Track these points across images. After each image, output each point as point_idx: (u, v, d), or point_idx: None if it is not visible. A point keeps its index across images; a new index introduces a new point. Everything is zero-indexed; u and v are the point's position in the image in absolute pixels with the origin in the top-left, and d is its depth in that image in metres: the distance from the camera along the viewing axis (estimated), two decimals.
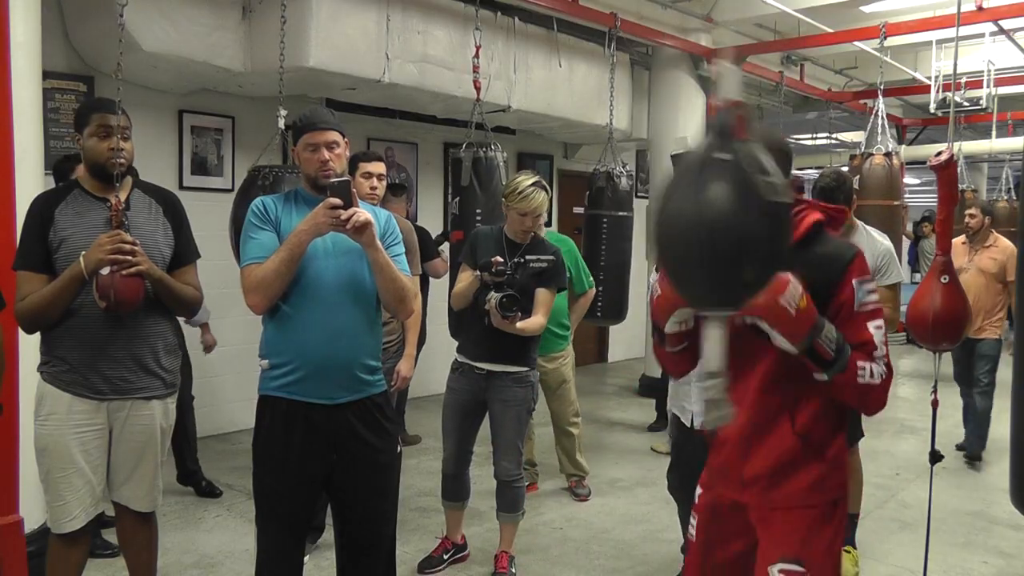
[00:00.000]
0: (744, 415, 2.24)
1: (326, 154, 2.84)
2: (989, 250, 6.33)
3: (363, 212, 2.70)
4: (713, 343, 1.79)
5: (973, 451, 6.50)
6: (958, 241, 6.32)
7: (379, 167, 4.27)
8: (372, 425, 2.88)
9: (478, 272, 3.88)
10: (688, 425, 3.72)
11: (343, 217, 2.65)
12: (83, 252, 2.90)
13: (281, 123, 4.67)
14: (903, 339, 11.83)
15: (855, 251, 2.23)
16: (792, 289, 1.99)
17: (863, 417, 4.38)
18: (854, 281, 2.17)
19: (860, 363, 2.12)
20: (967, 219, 6.45)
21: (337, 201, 2.66)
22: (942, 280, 3.44)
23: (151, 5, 5.18)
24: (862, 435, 4.41)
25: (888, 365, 2.19)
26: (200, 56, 5.58)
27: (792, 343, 2.06)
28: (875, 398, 2.19)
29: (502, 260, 3.84)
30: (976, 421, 6.48)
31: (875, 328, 2.18)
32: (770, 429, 2.26)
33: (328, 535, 3.69)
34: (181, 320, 5.18)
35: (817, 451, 2.25)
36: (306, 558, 3.05)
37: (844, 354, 2.10)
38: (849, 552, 4.36)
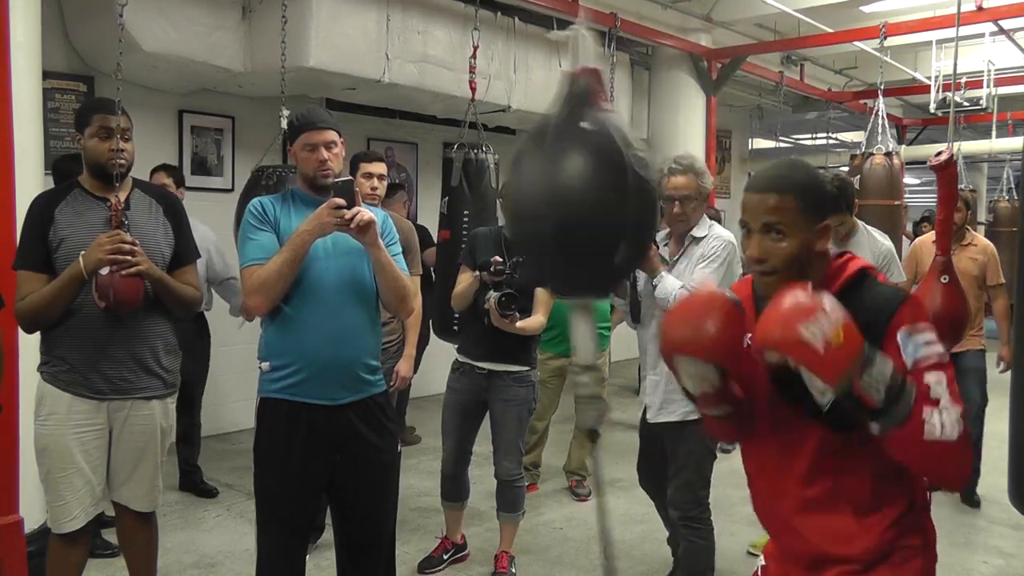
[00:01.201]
0: (794, 497, 1.91)
1: (324, 154, 2.83)
2: (968, 250, 5.39)
3: (366, 211, 2.70)
4: (582, 335, 1.61)
5: (970, 486, 5.43)
6: (928, 239, 5.37)
7: (380, 167, 4.27)
8: (374, 425, 2.87)
9: (477, 272, 3.88)
10: (646, 418, 3.69)
11: (347, 216, 2.65)
12: (83, 252, 2.90)
13: (283, 123, 4.67)
14: None
15: (901, 297, 1.83)
16: (822, 318, 1.62)
17: None
18: (900, 334, 1.75)
19: (926, 409, 1.67)
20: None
21: (341, 201, 2.65)
22: (942, 280, 3.45)
23: (151, 5, 5.18)
24: None
25: (964, 420, 1.71)
26: (200, 56, 5.58)
27: (824, 385, 1.66)
28: (952, 460, 1.72)
29: (501, 260, 3.84)
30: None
31: (935, 382, 1.71)
32: (828, 508, 1.89)
33: (328, 535, 3.69)
34: (208, 316, 5.22)
35: (881, 521, 1.86)
36: (306, 558, 3.05)
37: (903, 400, 1.66)
38: None
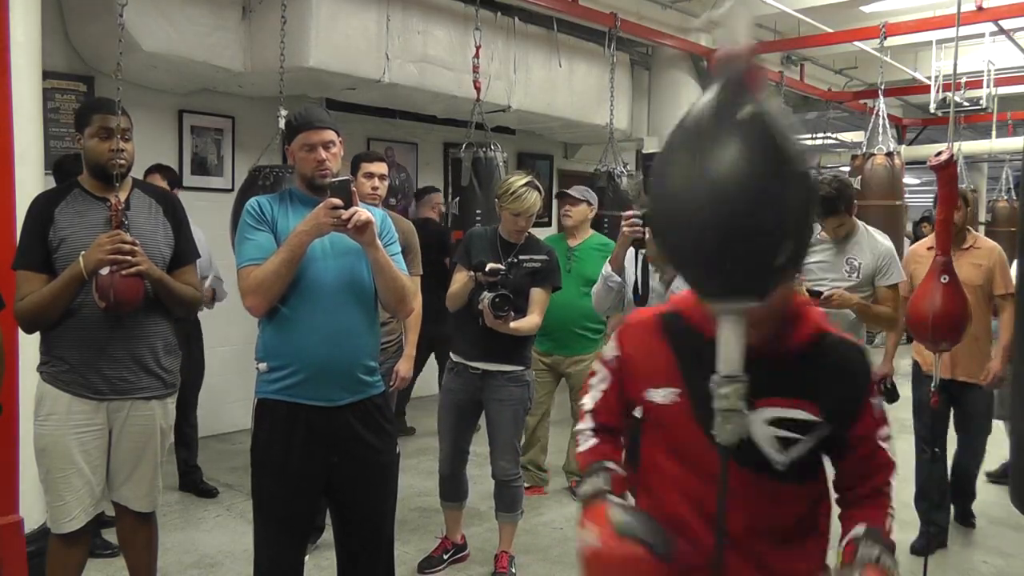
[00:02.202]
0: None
1: (323, 154, 2.81)
2: (969, 255, 4.53)
3: (364, 211, 2.69)
4: (731, 342, 1.44)
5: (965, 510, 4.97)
6: (920, 248, 4.77)
7: (381, 167, 4.27)
8: (372, 426, 2.87)
9: (472, 272, 3.88)
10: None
11: (344, 217, 2.64)
12: (83, 252, 2.90)
13: (282, 123, 4.67)
14: (903, 339, 11.81)
15: (866, 353, 1.79)
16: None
17: None
18: (873, 401, 1.73)
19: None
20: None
21: (338, 201, 2.64)
22: (942, 280, 3.45)
23: (151, 5, 5.18)
24: None
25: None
26: (200, 56, 5.58)
27: None
28: None
29: (503, 267, 3.84)
30: (962, 483, 4.83)
31: (887, 442, 1.77)
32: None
33: (328, 535, 3.70)
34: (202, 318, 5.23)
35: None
36: (306, 558, 3.05)
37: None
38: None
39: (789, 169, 1.36)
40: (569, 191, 5.28)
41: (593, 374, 1.98)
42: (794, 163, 1.37)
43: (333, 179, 2.73)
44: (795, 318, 1.72)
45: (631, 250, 3.46)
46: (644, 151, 3.05)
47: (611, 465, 1.85)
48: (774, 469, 1.68)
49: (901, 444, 3.63)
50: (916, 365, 4.69)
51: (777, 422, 1.65)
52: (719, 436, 1.47)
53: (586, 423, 1.95)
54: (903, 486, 3.67)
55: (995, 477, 5.58)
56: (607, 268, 3.62)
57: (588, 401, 1.96)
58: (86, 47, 5.75)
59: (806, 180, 1.41)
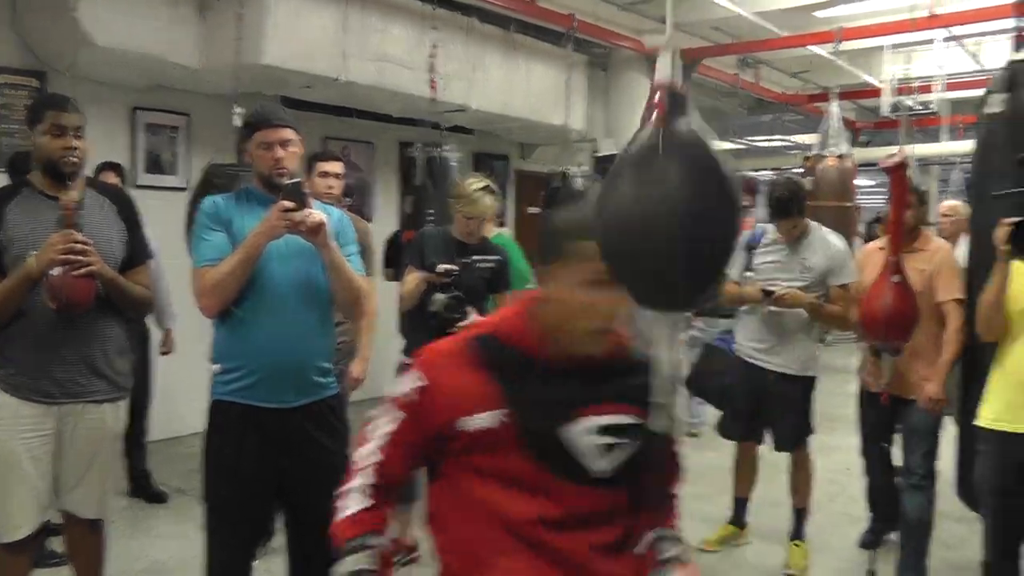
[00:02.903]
0: None
1: (280, 152, 2.78)
2: (914, 257, 3.87)
3: (317, 213, 2.66)
4: (669, 346, 1.57)
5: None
6: (872, 248, 4.33)
7: (337, 166, 4.25)
8: (325, 427, 2.85)
9: (424, 273, 3.87)
10: None
11: (296, 219, 2.62)
12: (34, 252, 2.84)
13: (237, 121, 4.63)
14: (855, 336, 11.95)
15: None
16: None
17: (815, 413, 4.46)
18: None
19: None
20: None
21: (289, 204, 2.62)
22: (893, 280, 3.50)
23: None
24: (813, 431, 4.47)
25: None
26: (155, 52, 5.52)
27: None
28: None
29: (455, 268, 3.83)
30: (908, 531, 4.07)
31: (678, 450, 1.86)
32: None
33: (279, 539, 3.66)
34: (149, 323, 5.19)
35: None
36: (256, 562, 3.01)
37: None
38: (799, 546, 4.43)
39: (731, 190, 1.43)
40: None
41: (368, 423, 1.78)
42: (731, 184, 1.44)
43: (285, 181, 2.70)
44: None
45: None
46: (598, 154, 3.04)
47: (377, 540, 1.75)
48: (598, 479, 1.67)
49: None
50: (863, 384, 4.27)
51: (603, 430, 1.66)
52: (653, 427, 1.59)
53: (361, 480, 1.76)
54: (853, 480, 3.72)
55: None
56: None
57: (369, 453, 1.75)
58: (38, 41, 5.64)
59: (737, 200, 1.47)
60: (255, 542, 2.96)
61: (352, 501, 1.76)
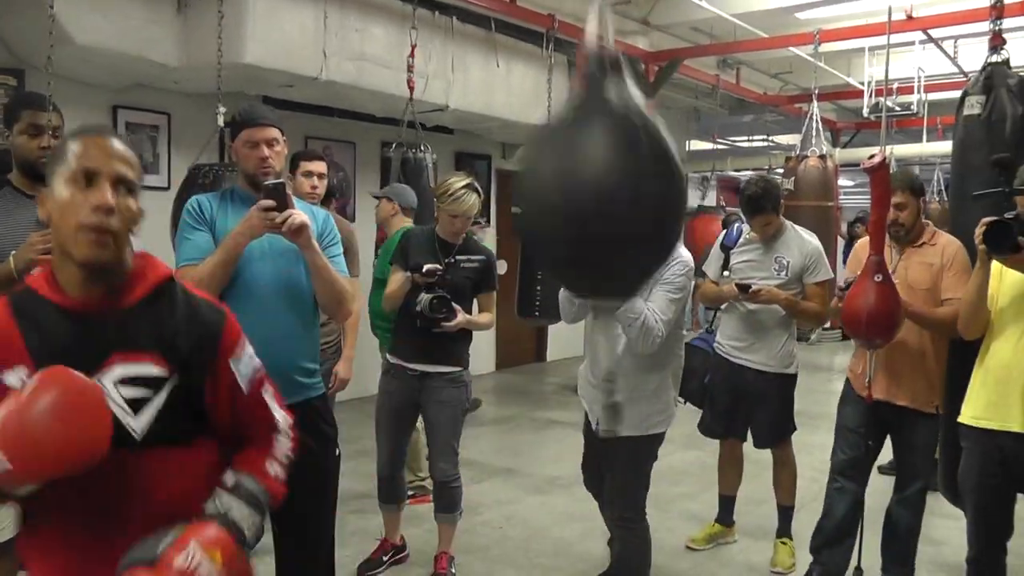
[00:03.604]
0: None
1: (266, 151, 2.78)
2: (921, 252, 3.78)
3: (299, 214, 2.65)
4: (602, 343, 1.43)
5: None
6: (864, 245, 3.88)
7: (320, 166, 4.24)
8: (310, 429, 2.82)
9: (409, 273, 3.86)
10: (593, 427, 3.61)
11: (278, 220, 2.61)
12: (13, 252, 2.82)
13: (220, 120, 4.61)
14: (838, 335, 12.07)
15: (222, 312, 1.78)
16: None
17: (795, 411, 4.48)
18: (232, 361, 1.73)
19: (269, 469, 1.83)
20: (891, 211, 3.75)
21: (270, 203, 2.61)
22: (876, 279, 3.52)
23: None
24: (795, 429, 4.50)
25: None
26: (134, 50, 5.48)
27: None
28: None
29: (440, 268, 3.82)
30: (895, 536, 3.98)
31: (270, 396, 1.84)
32: None
33: (267, 539, 3.64)
34: None
35: None
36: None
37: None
38: (785, 544, 4.45)
39: (662, 161, 1.24)
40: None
41: None
42: (666, 155, 1.26)
43: (267, 181, 2.69)
44: (140, 269, 1.66)
45: None
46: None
47: None
48: (137, 440, 1.55)
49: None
50: (848, 384, 4.02)
51: (128, 381, 1.56)
52: (604, 430, 1.42)
53: None
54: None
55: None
56: None
57: None
58: (16, 39, 5.60)
59: (675, 173, 1.28)
60: None
61: None
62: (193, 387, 1.65)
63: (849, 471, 3.94)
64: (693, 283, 3.51)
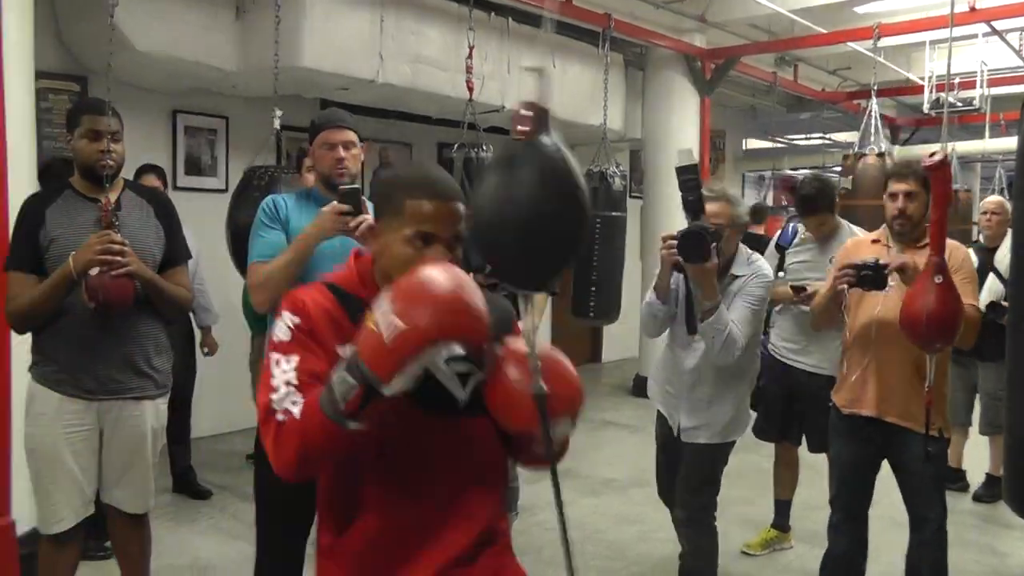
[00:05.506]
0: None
1: (342, 152, 2.90)
2: (924, 254, 3.32)
3: (371, 219, 2.70)
4: (530, 321, 1.67)
5: None
6: (864, 240, 3.74)
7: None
8: None
9: (473, 273, 3.86)
10: (675, 434, 3.54)
11: (351, 224, 2.68)
12: (73, 252, 2.89)
13: (276, 123, 4.66)
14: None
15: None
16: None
17: None
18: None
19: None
20: (898, 200, 3.49)
21: (345, 207, 2.69)
22: (936, 280, 3.44)
23: (144, 5, 5.17)
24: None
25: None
26: (193, 56, 5.58)
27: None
28: None
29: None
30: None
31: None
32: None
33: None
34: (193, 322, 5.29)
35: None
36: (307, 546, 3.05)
37: None
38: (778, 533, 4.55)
39: (575, 195, 1.63)
40: None
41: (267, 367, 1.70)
42: (578, 191, 1.63)
43: (344, 184, 2.79)
44: None
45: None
46: (678, 164, 2.94)
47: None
48: (462, 408, 1.64)
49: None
50: (835, 409, 3.61)
51: (454, 359, 1.61)
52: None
53: (283, 393, 1.63)
54: (893, 482, 3.62)
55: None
56: (650, 295, 3.41)
57: (282, 376, 1.65)
58: (79, 46, 5.73)
59: (582, 205, 1.64)
60: (305, 527, 2.99)
61: (292, 404, 1.62)
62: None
63: (847, 509, 3.66)
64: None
